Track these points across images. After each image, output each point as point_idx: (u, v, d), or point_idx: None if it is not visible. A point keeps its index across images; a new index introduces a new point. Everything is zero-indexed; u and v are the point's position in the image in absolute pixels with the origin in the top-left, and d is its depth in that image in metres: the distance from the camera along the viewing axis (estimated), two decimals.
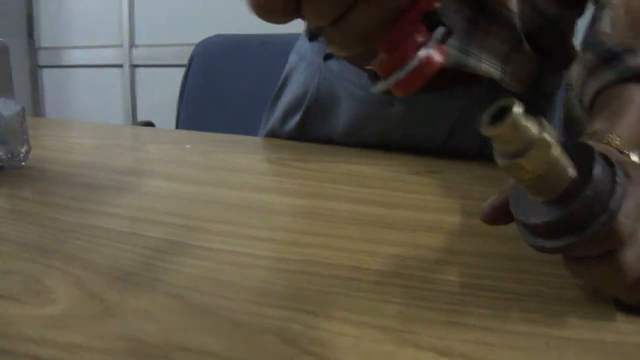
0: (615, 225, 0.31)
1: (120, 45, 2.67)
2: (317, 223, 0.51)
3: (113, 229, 0.46)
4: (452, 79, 0.71)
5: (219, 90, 1.45)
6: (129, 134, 1.02)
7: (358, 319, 0.33)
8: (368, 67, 0.77)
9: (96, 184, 0.60)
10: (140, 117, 2.71)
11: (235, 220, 0.50)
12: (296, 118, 0.87)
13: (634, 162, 0.43)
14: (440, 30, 0.29)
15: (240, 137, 0.91)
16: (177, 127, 1.51)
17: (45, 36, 2.87)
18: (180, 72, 1.51)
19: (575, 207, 0.30)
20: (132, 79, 2.70)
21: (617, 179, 0.30)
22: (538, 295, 0.37)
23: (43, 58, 2.90)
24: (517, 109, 0.27)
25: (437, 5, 0.28)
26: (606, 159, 0.32)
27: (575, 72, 0.61)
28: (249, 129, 1.00)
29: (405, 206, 0.56)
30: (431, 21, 0.29)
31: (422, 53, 0.28)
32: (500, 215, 0.39)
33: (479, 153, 0.74)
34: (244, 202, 0.56)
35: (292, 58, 0.92)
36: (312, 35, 0.86)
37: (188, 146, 0.82)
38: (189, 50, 1.51)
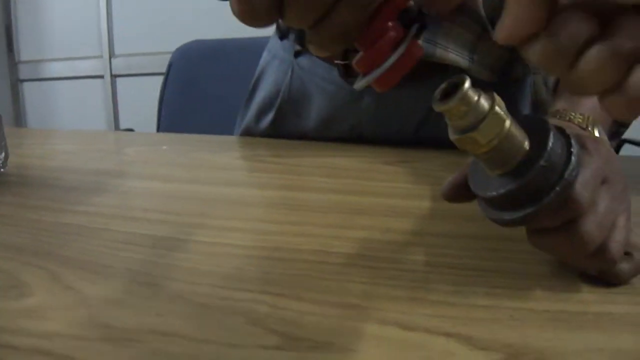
0: (572, 195, 0.31)
1: (100, 56, 2.66)
2: (290, 213, 0.52)
3: (88, 227, 0.47)
4: (420, 70, 0.71)
5: (198, 95, 1.46)
6: (107, 139, 1.02)
7: (323, 298, 0.34)
8: (337, 62, 0.77)
9: (73, 185, 0.60)
10: (123, 127, 2.71)
11: (209, 213, 0.51)
12: (270, 115, 0.88)
13: (592, 136, 0.44)
14: (415, 26, 0.30)
15: (216, 136, 0.92)
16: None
17: (25, 50, 2.86)
18: (160, 80, 1.51)
19: (529, 177, 0.31)
20: (113, 89, 2.70)
21: (572, 150, 0.31)
22: (503, 271, 0.38)
23: (23, 72, 2.88)
24: (466, 85, 0.29)
25: (410, 1, 0.30)
26: (561, 131, 0.33)
27: None
28: (229, 132, 1.01)
29: (377, 194, 0.57)
30: (406, 17, 0.30)
31: (399, 50, 0.29)
32: (460, 191, 0.39)
33: (449, 141, 0.75)
34: (218, 196, 0.57)
35: (264, 57, 0.93)
36: (282, 34, 0.87)
37: (165, 147, 0.82)
38: (168, 58, 1.51)
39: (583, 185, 0.32)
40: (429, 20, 0.30)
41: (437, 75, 0.69)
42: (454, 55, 0.69)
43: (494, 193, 0.32)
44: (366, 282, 0.37)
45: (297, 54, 0.84)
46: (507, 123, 0.30)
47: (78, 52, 2.71)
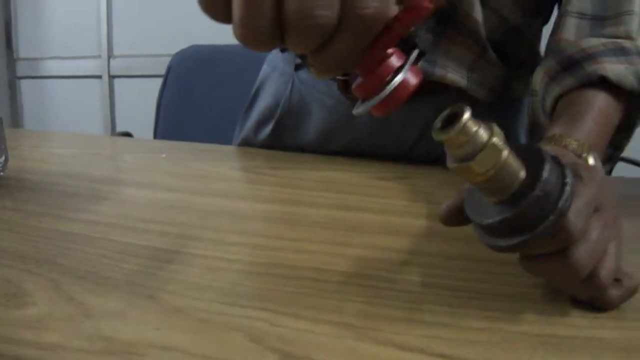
0: (565, 224, 0.32)
1: (99, 56, 2.66)
2: (287, 227, 0.52)
3: (89, 235, 0.47)
4: (419, 88, 0.72)
5: (195, 100, 1.46)
6: (105, 144, 1.03)
7: (321, 317, 0.35)
8: (337, 78, 0.78)
9: (73, 192, 0.61)
10: (119, 128, 2.70)
11: (208, 226, 0.51)
12: (269, 127, 0.89)
13: (586, 164, 0.45)
14: (414, 52, 0.31)
15: (215, 146, 0.92)
16: (155, 137, 1.51)
17: (24, 47, 2.85)
18: (159, 82, 1.51)
19: (524, 206, 0.31)
20: (110, 89, 2.70)
21: (566, 180, 0.32)
22: (498, 294, 0.38)
23: (22, 69, 2.87)
24: (466, 115, 0.29)
25: (410, 29, 0.30)
26: (556, 161, 0.34)
27: (537, 78, 0.63)
28: (226, 139, 1.01)
29: (374, 210, 0.58)
30: (406, 43, 0.31)
31: (399, 77, 0.30)
32: (456, 216, 0.40)
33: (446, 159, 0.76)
34: (217, 208, 0.57)
35: (264, 68, 0.93)
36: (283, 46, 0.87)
37: (163, 155, 0.83)
38: (167, 60, 1.52)
39: (576, 214, 0.33)
40: (427, 45, 0.31)
41: (436, 91, 0.70)
42: (453, 74, 0.70)
43: (490, 220, 0.33)
44: (362, 302, 0.37)
45: (297, 67, 0.84)
46: (504, 154, 0.31)
47: (77, 51, 2.70)
